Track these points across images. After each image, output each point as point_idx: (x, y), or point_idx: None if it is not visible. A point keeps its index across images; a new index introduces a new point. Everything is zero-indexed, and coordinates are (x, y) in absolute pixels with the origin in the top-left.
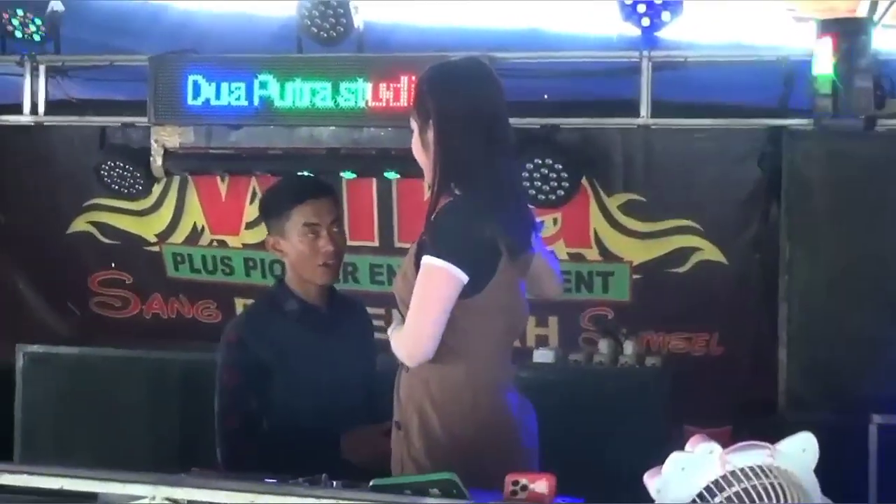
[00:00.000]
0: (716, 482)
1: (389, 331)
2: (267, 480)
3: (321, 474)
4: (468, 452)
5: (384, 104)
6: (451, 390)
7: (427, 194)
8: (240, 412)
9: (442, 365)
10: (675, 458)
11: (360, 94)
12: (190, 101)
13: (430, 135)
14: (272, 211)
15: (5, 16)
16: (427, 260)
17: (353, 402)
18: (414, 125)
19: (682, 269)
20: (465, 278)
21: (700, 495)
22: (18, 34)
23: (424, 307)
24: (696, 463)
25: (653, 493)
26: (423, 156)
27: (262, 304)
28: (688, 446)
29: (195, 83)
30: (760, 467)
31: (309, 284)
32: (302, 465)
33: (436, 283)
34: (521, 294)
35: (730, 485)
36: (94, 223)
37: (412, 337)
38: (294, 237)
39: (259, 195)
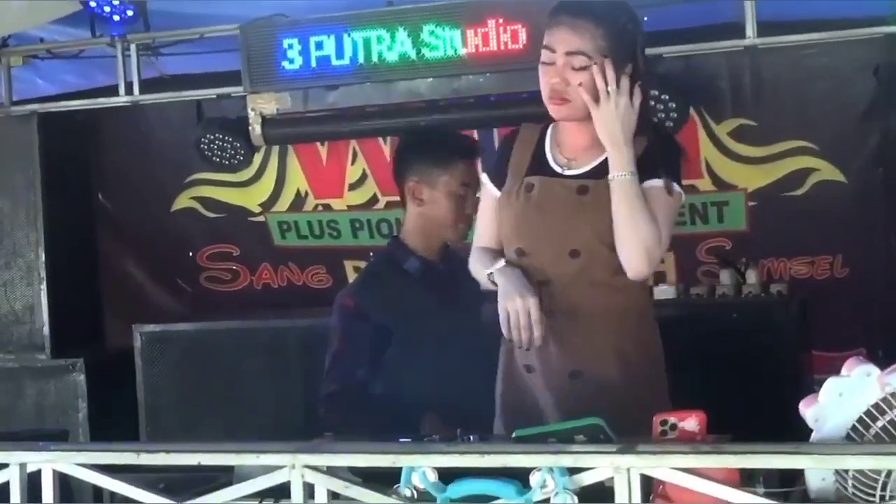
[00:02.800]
0: (876, 405)
1: None
2: (402, 440)
3: (456, 429)
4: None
5: (476, 51)
6: (649, 323)
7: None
8: (349, 381)
9: (634, 297)
10: (832, 383)
11: (452, 41)
12: (283, 66)
13: (625, 74)
14: (429, 156)
15: None
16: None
17: (472, 359)
18: (594, 63)
19: (799, 192)
20: None
21: (860, 420)
22: (106, 14)
23: (667, 224)
24: (853, 387)
25: (810, 423)
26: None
27: (378, 265)
28: (843, 370)
29: (286, 47)
30: None
31: (433, 240)
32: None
33: (675, 207)
34: None
35: (891, 408)
36: (197, 198)
37: (658, 246)
38: (444, 192)
39: (360, 155)
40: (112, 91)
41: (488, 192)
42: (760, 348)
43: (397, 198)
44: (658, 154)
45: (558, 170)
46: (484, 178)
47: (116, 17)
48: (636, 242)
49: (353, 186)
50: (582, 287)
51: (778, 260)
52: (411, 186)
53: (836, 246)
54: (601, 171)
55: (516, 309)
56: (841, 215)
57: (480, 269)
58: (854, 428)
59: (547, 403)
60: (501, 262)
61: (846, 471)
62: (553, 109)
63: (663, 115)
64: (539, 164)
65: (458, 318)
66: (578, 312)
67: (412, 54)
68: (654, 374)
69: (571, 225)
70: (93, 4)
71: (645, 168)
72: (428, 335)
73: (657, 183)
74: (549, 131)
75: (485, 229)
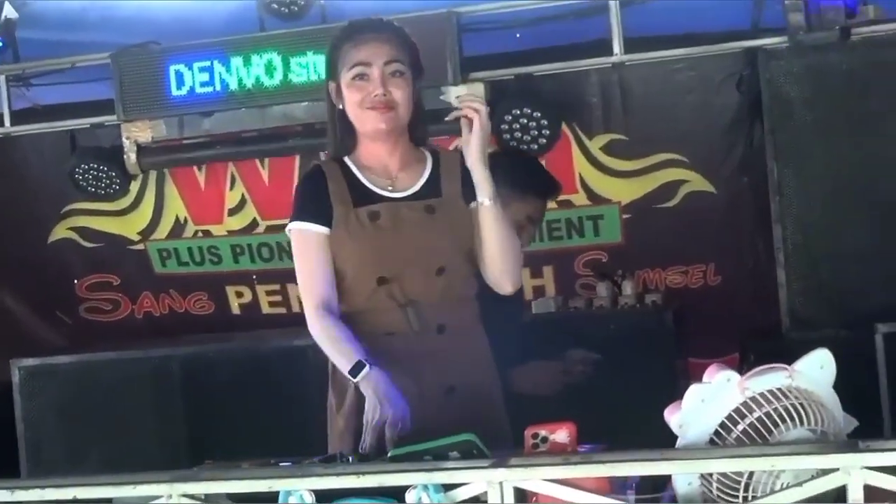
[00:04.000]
0: (737, 410)
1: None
2: (282, 464)
3: (336, 453)
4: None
5: None
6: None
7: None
8: None
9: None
10: (693, 390)
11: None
12: (158, 94)
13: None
14: (511, 178)
15: None
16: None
17: None
18: (407, 73)
19: (671, 204)
20: None
21: (722, 425)
22: None
23: None
24: (715, 393)
25: (675, 429)
26: (408, 105)
27: None
28: (705, 377)
29: (161, 74)
30: (780, 389)
31: None
32: None
33: None
34: None
35: (751, 411)
36: (74, 228)
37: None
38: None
39: (238, 180)
40: None
41: (311, 232)
42: (637, 358)
43: (277, 221)
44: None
45: (389, 195)
46: (299, 225)
47: None
48: (511, 262)
49: (232, 212)
50: (449, 303)
51: (653, 270)
52: None
53: (708, 255)
54: (432, 189)
55: (376, 427)
56: (712, 224)
57: (341, 351)
58: (717, 432)
59: (419, 423)
60: (366, 370)
61: (710, 474)
62: (377, 118)
63: (536, 132)
64: (364, 194)
65: None
66: (447, 329)
67: (286, 79)
68: (498, 382)
69: (432, 244)
70: None
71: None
72: None
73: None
74: (348, 162)
75: (320, 275)
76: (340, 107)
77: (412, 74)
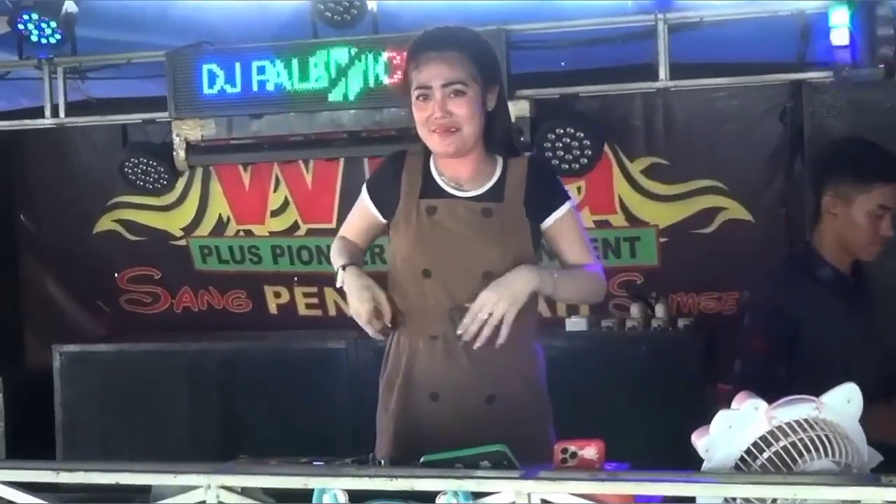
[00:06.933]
0: (763, 437)
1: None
2: (316, 463)
3: (370, 453)
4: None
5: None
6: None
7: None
8: (771, 379)
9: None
10: (721, 416)
11: (376, 73)
12: (208, 94)
13: (491, 98)
14: (851, 173)
15: (20, 20)
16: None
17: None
18: (470, 89)
19: (708, 230)
20: None
21: (748, 451)
22: (34, 38)
23: (586, 236)
24: (742, 420)
25: (701, 453)
26: (475, 119)
27: (791, 270)
28: (734, 403)
29: (211, 75)
30: (806, 420)
31: (844, 255)
32: None
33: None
34: None
35: (777, 440)
36: (119, 221)
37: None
38: (859, 213)
39: (282, 182)
40: (37, 113)
41: (364, 205)
42: (667, 380)
43: (318, 225)
44: (546, 179)
45: (454, 192)
46: (364, 191)
47: (44, 41)
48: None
49: (274, 213)
50: None
51: (687, 295)
52: (827, 200)
53: (742, 282)
54: (497, 194)
55: (357, 312)
56: (748, 253)
57: (335, 259)
58: (742, 458)
59: (456, 430)
60: (341, 273)
61: (734, 498)
62: (439, 142)
63: (578, 152)
64: (432, 188)
65: (861, 335)
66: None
67: (335, 86)
68: (543, 396)
69: (480, 246)
70: (21, 27)
71: (545, 198)
72: (833, 344)
73: (568, 206)
74: (431, 158)
75: (350, 227)
76: None
77: (482, 83)
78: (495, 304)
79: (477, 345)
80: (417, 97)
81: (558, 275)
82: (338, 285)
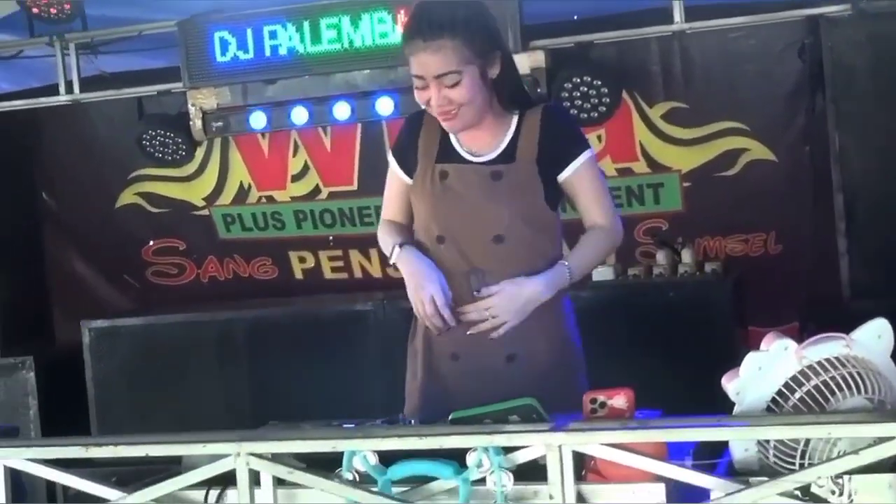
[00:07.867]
0: (794, 378)
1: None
2: (345, 425)
3: (397, 415)
4: None
5: None
6: (562, 301)
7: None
8: None
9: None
10: (751, 358)
11: (388, 33)
12: (221, 61)
13: (493, 68)
14: None
15: None
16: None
17: None
18: (465, 74)
19: (731, 172)
20: None
21: (779, 392)
22: (45, 15)
23: (606, 187)
24: (772, 361)
25: (732, 396)
26: (477, 98)
27: None
28: (763, 345)
29: (224, 42)
30: (837, 358)
31: None
32: None
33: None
34: None
35: (808, 379)
36: (141, 194)
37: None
38: None
39: (301, 147)
40: (52, 91)
41: (394, 174)
42: (697, 326)
43: (340, 188)
44: (561, 129)
45: (467, 157)
46: (391, 159)
47: (54, 17)
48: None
49: (295, 178)
50: (510, 272)
51: (713, 239)
52: None
53: (768, 223)
54: (509, 154)
55: (421, 300)
56: (772, 193)
57: (386, 243)
58: (773, 400)
59: (477, 389)
60: (397, 251)
61: (767, 441)
62: (444, 122)
63: (596, 101)
64: (447, 152)
65: None
66: None
67: (349, 45)
68: (570, 350)
69: (490, 211)
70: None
71: (560, 149)
72: None
73: (584, 158)
74: None
75: (390, 204)
76: None
77: (480, 61)
78: (501, 313)
79: (471, 331)
80: (415, 83)
81: (572, 265)
82: (391, 262)
